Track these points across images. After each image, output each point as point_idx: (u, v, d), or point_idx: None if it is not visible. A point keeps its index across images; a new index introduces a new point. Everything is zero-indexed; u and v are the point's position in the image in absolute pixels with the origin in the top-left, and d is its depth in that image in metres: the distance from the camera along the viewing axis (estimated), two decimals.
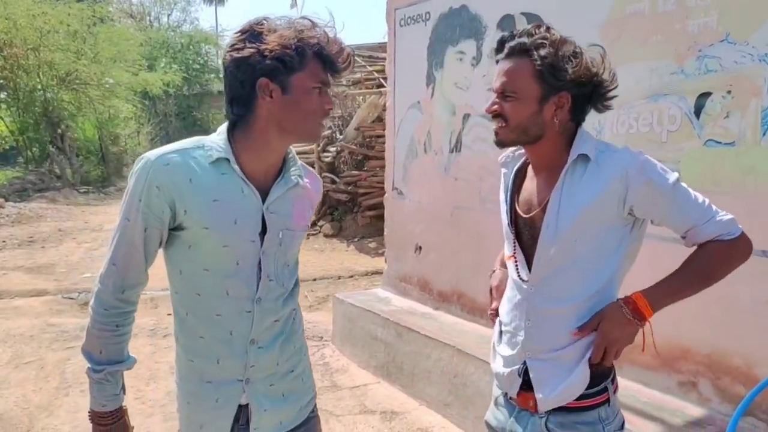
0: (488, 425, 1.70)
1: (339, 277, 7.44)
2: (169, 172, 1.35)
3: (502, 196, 1.65)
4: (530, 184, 1.58)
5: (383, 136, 9.62)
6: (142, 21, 33.30)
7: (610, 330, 1.45)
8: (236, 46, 1.34)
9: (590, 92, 1.47)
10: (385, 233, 5.00)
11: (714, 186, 2.57)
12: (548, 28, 1.45)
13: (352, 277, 7.54)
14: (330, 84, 1.40)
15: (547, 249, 1.47)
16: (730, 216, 1.48)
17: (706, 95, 2.60)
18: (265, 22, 1.36)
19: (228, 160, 1.38)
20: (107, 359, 1.43)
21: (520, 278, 1.55)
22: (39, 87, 17.59)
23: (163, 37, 29.72)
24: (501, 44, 1.48)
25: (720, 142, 2.56)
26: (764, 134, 2.41)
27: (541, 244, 1.48)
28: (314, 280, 7.31)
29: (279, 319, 1.51)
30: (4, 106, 18.63)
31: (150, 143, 25.32)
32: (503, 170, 1.68)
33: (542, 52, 1.41)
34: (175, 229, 1.39)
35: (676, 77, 2.70)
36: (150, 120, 25.49)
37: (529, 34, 1.43)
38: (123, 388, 1.48)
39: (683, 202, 1.46)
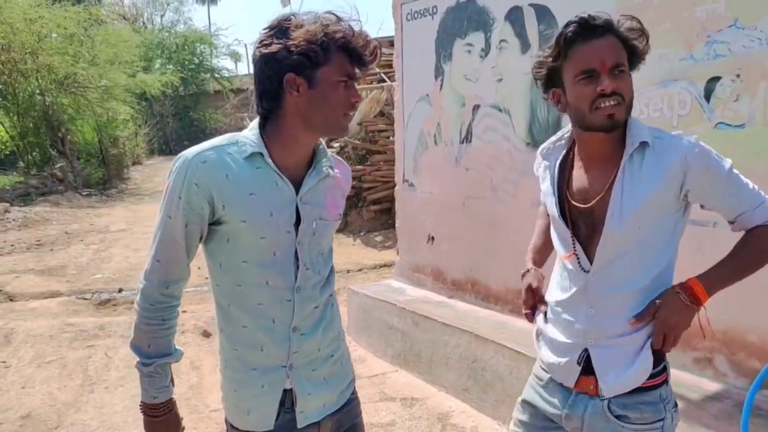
0: (529, 404, 1.71)
1: (348, 271, 7.51)
2: (207, 169, 1.39)
3: (546, 188, 1.65)
4: (582, 174, 1.58)
5: (386, 130, 9.73)
6: (135, 23, 33.23)
7: (669, 316, 1.48)
8: (264, 42, 1.39)
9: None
10: (396, 225, 5.08)
11: None
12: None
13: (361, 270, 7.61)
14: (356, 77, 1.44)
15: (611, 237, 1.49)
16: None
17: (715, 79, 2.68)
18: (292, 18, 1.40)
19: (261, 154, 1.43)
20: (156, 352, 1.48)
21: (583, 270, 1.56)
22: (38, 91, 17.59)
23: (158, 38, 29.66)
24: (590, 25, 1.45)
25: (730, 125, 2.64)
26: None
27: (606, 233, 1.50)
28: None
29: (318, 305, 1.55)
30: (3, 111, 18.63)
31: (148, 144, 25.36)
32: (545, 162, 1.68)
33: (624, 27, 1.47)
34: (214, 223, 1.44)
35: (686, 63, 2.78)
36: (147, 121, 25.47)
37: (598, 18, 1.45)
38: (172, 380, 1.53)
39: (737, 188, 1.50)
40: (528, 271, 1.80)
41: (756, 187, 1.53)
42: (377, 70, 10.13)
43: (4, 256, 8.82)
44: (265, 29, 1.42)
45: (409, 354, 4.17)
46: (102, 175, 18.91)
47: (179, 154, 1.44)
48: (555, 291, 1.68)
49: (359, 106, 10.31)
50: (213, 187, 1.39)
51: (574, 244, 1.58)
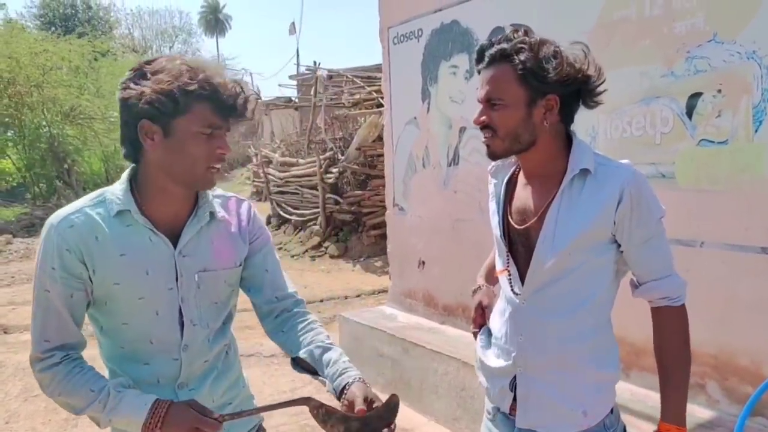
0: None
1: (345, 297, 7.43)
2: (75, 233, 1.31)
3: (492, 207, 1.61)
4: (523, 194, 1.53)
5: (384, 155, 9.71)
6: (144, 55, 33.76)
7: None
8: (123, 85, 1.31)
9: (577, 90, 1.44)
10: (388, 250, 5.01)
11: (710, 185, 2.57)
12: (526, 32, 1.42)
13: (358, 296, 7.53)
14: (224, 127, 1.33)
15: (541, 262, 1.44)
16: (684, 280, 1.49)
17: (697, 95, 2.61)
18: (155, 61, 1.32)
19: (129, 210, 1.34)
20: (99, 387, 1.32)
21: (514, 291, 1.51)
22: (44, 123, 17.83)
23: None
24: (481, 53, 1.45)
25: (713, 141, 2.56)
26: (756, 131, 2.42)
27: (536, 258, 1.45)
28: (321, 301, 7.30)
29: (208, 359, 1.46)
30: (10, 143, 18.85)
31: None
32: (493, 180, 1.64)
33: (522, 56, 1.38)
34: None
35: (667, 79, 2.72)
36: None
37: (508, 40, 1.41)
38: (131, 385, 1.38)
39: (657, 245, 1.45)
40: (479, 287, 1.73)
41: (671, 256, 1.48)
42: (375, 95, 10.15)
43: (3, 288, 8.81)
44: (129, 70, 1.34)
45: (399, 382, 4.06)
46: None
47: (45, 222, 1.35)
48: (495, 314, 1.63)
49: (359, 131, 10.35)
50: (84, 250, 1.31)
51: (508, 260, 1.53)
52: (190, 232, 1.39)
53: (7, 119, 17.74)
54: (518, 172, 1.58)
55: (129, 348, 1.38)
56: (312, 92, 12.98)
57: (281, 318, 1.53)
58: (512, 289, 1.52)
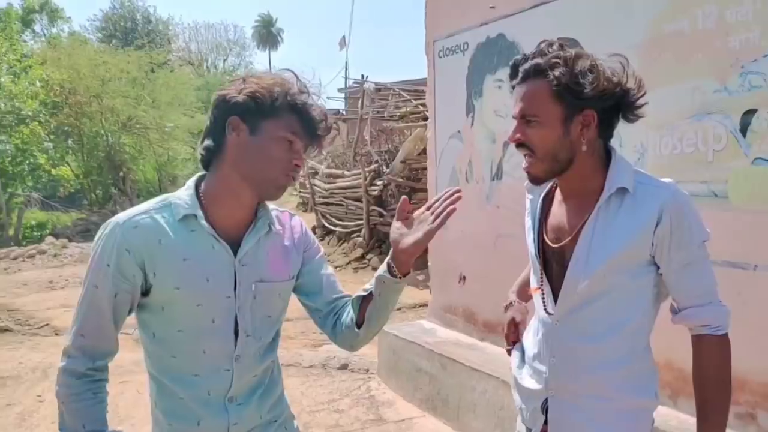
0: None
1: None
2: (139, 234, 1.32)
3: (528, 224, 1.57)
4: (559, 211, 1.49)
5: None
6: (200, 67, 34.76)
7: None
8: (223, 88, 1.37)
9: (616, 104, 1.38)
10: (429, 264, 4.97)
11: (763, 205, 2.46)
12: (561, 46, 1.38)
13: (399, 309, 7.50)
14: (304, 143, 1.37)
15: (574, 283, 1.39)
16: (728, 309, 1.41)
17: (751, 112, 2.50)
18: (259, 73, 1.40)
19: (195, 215, 1.35)
20: (90, 430, 1.34)
21: (547, 311, 1.47)
22: (102, 132, 18.47)
23: (219, 81, 30.86)
24: (515, 69, 1.40)
25: None
26: None
27: (568, 278, 1.40)
28: None
29: (257, 373, 1.46)
30: (70, 151, 19.60)
31: None
32: (529, 196, 1.60)
33: (557, 71, 1.33)
34: (145, 292, 1.35)
35: (720, 95, 2.61)
36: None
37: (542, 54, 1.36)
38: None
39: (699, 269, 1.38)
40: (511, 303, 1.69)
41: (715, 282, 1.40)
42: (421, 108, 10.15)
43: (57, 291, 9.13)
44: (232, 80, 1.41)
45: (437, 399, 4.01)
46: None
47: (108, 220, 1.37)
48: (529, 333, 1.58)
49: (404, 144, 10.37)
50: (145, 253, 1.32)
51: (542, 279, 1.48)
52: (250, 242, 1.40)
53: (67, 128, 18.46)
54: (555, 188, 1.53)
55: (181, 358, 1.37)
56: (359, 105, 13.08)
57: (340, 309, 1.53)
58: (545, 309, 1.47)
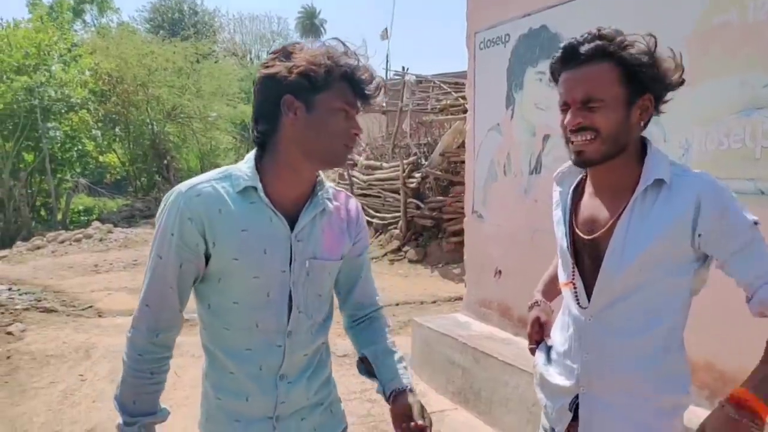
0: None
1: (422, 303, 7.40)
2: (201, 202, 1.32)
3: (557, 216, 1.54)
4: (591, 203, 1.45)
5: None
6: (243, 58, 35.17)
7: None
8: (267, 64, 1.34)
9: (665, 92, 1.37)
10: (464, 257, 4.95)
11: None
12: (619, 30, 1.35)
13: (434, 302, 7.48)
14: (358, 110, 1.36)
15: (610, 276, 1.36)
16: None
17: None
18: (298, 44, 1.36)
19: (255, 188, 1.35)
20: (140, 410, 1.37)
21: (580, 306, 1.44)
22: (147, 121, 18.89)
23: None
24: (573, 51, 1.35)
25: None
26: None
27: (604, 271, 1.37)
28: (396, 304, 7.31)
29: (308, 353, 1.46)
30: (117, 139, 20.11)
31: None
32: (558, 188, 1.57)
33: (625, 53, 1.31)
34: (206, 261, 1.36)
35: None
36: (249, 151, 26.65)
37: (602, 37, 1.33)
38: None
39: (759, 249, 1.32)
40: (536, 303, 1.67)
41: None
42: (462, 101, 10.07)
43: (102, 274, 9.40)
44: (271, 53, 1.38)
45: (469, 392, 3.99)
46: None
47: (172, 189, 1.37)
48: (556, 331, 1.55)
49: (443, 137, 10.31)
50: (206, 221, 1.31)
51: (573, 272, 1.45)
52: (307, 217, 1.39)
53: (114, 116, 18.93)
54: (584, 180, 1.50)
55: (234, 330, 1.37)
56: (399, 97, 13.06)
57: (361, 321, 1.61)
58: (578, 304, 1.44)
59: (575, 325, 1.45)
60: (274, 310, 1.38)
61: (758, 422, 1.24)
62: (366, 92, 1.35)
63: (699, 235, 1.31)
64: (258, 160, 1.39)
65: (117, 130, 19.92)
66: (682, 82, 1.38)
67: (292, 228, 1.37)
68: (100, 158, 20.11)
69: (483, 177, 4.57)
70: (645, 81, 1.33)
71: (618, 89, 1.33)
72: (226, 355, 1.39)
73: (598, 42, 1.33)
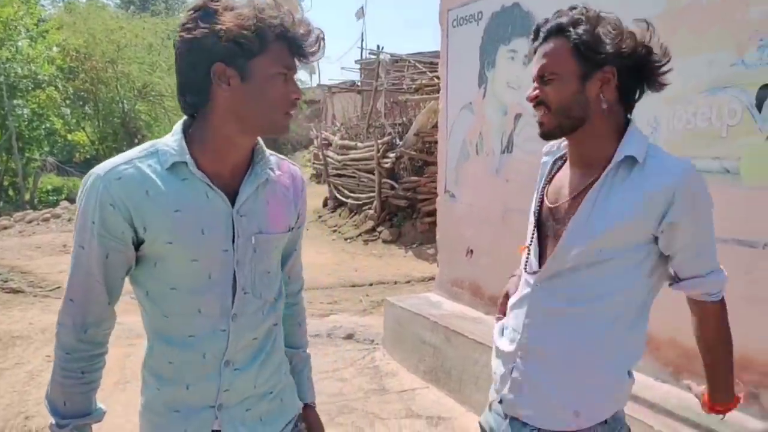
0: (482, 428, 1.60)
1: (395, 283, 7.42)
2: (123, 186, 1.19)
3: (538, 184, 1.56)
4: (563, 175, 1.47)
5: None
6: None
7: None
8: (188, 26, 1.17)
9: (638, 66, 1.36)
10: (437, 237, 4.95)
11: None
12: (585, 7, 1.37)
13: (408, 282, 7.51)
14: (296, 70, 1.25)
15: (567, 247, 1.35)
16: (726, 276, 1.40)
17: None
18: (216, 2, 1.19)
19: (185, 163, 1.22)
20: (72, 412, 1.27)
21: (528, 270, 1.45)
22: (117, 99, 18.50)
23: None
24: (537, 31, 1.40)
25: None
26: None
27: (563, 241, 1.36)
28: (370, 284, 7.32)
29: (258, 336, 1.36)
30: (86, 117, 19.69)
31: None
32: (544, 159, 1.58)
33: (579, 28, 1.33)
34: (136, 248, 1.24)
35: (737, 68, 2.54)
36: None
37: (565, 14, 1.37)
38: None
39: (706, 240, 1.36)
40: (512, 275, 1.67)
41: (716, 248, 1.39)
42: (436, 81, 10.03)
43: (70, 254, 9.21)
44: (189, 10, 1.20)
45: (440, 371, 4.02)
46: None
47: (89, 172, 1.23)
48: (513, 297, 1.55)
49: (418, 117, 10.27)
50: (131, 206, 1.19)
51: (532, 238, 1.47)
52: (248, 190, 1.28)
53: (83, 93, 18.51)
54: (565, 155, 1.52)
55: (174, 317, 1.27)
56: (374, 77, 12.97)
57: (287, 305, 1.52)
58: (527, 267, 1.45)
59: (524, 290, 1.47)
60: (217, 293, 1.28)
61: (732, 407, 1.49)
62: (305, 50, 1.22)
63: (667, 225, 1.31)
64: (186, 131, 1.26)
65: (86, 108, 19.50)
66: (648, 51, 1.36)
67: (232, 203, 1.27)
68: (69, 137, 19.66)
69: (455, 156, 4.56)
70: (597, 54, 1.33)
71: (571, 63, 1.34)
72: (166, 343, 1.29)
73: (556, 20, 1.37)
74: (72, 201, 14.38)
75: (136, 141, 19.13)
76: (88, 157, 20.85)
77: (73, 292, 1.25)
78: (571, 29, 1.34)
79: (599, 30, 1.33)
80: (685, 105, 2.74)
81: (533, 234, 1.47)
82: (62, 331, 1.26)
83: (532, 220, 1.50)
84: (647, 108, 2.88)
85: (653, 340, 2.82)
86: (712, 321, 1.41)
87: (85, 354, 1.27)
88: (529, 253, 1.47)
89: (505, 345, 1.50)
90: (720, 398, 1.46)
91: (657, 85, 1.40)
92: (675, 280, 1.41)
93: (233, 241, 1.28)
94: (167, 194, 1.21)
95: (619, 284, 1.36)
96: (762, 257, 2.46)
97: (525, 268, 1.47)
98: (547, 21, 1.39)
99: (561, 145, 1.54)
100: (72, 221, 11.90)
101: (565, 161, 1.51)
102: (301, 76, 34.69)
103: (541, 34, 1.39)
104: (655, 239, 1.35)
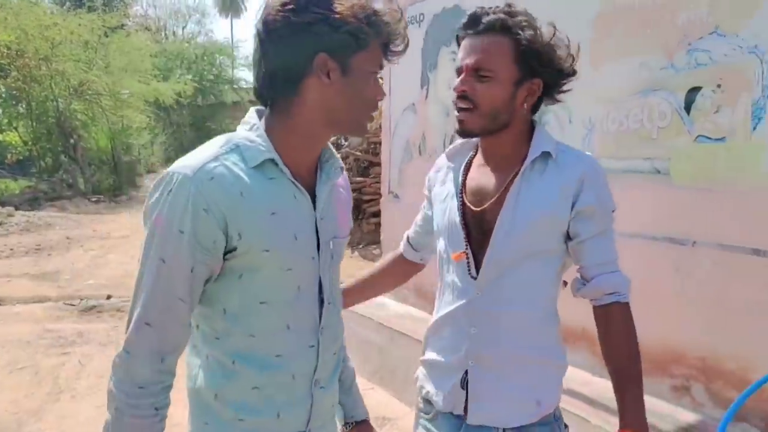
0: None
1: (341, 283, 7.38)
2: (216, 187, 1.04)
3: (449, 190, 1.51)
4: (479, 177, 1.47)
5: None
6: (158, 33, 33.73)
7: None
8: (296, 7, 1.05)
9: (561, 82, 1.42)
10: (381, 238, 4.95)
11: (706, 183, 2.49)
12: (526, 11, 1.38)
13: None
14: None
15: (500, 247, 1.38)
16: (629, 279, 1.43)
17: (696, 90, 2.52)
18: None
19: (273, 160, 1.10)
20: None
21: (471, 277, 1.42)
22: (51, 97, 17.76)
23: (178, 48, 30.04)
24: (476, 19, 1.37)
25: (710, 138, 2.48)
26: (755, 129, 2.33)
27: (494, 240, 1.38)
28: None
29: (336, 350, 1.27)
30: (19, 116, 18.85)
31: (164, 153, 25.59)
32: (448, 164, 1.55)
33: (527, 32, 1.33)
34: (224, 259, 1.10)
35: (667, 72, 2.63)
36: (164, 130, 25.77)
37: (509, 13, 1.36)
38: None
39: (609, 238, 1.41)
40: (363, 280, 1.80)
41: (617, 253, 1.43)
42: (381, 81, 10.06)
43: (1, 260, 8.81)
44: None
45: (385, 371, 4.02)
46: (113, 182, 19.02)
47: (168, 171, 1.07)
48: (440, 308, 1.53)
49: None
50: (227, 210, 1.05)
51: (467, 245, 1.43)
52: (324, 191, 1.18)
53: (15, 92, 17.72)
54: (474, 157, 1.52)
55: (261, 336, 1.13)
56: None
57: None
58: (470, 275, 1.42)
59: (463, 298, 1.44)
60: (306, 305, 1.17)
61: None
62: (395, 52, 1.15)
63: (576, 211, 1.37)
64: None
65: (19, 107, 18.66)
66: (573, 73, 1.42)
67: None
68: (0, 137, 18.78)
69: (399, 157, 4.57)
70: (536, 65, 1.35)
71: (509, 66, 1.35)
72: (249, 366, 1.14)
73: (501, 15, 1.35)
74: (3, 204, 13.75)
75: (72, 141, 18.42)
76: (21, 158, 19.98)
77: (149, 314, 1.06)
78: (519, 32, 1.33)
79: (542, 39, 1.34)
80: (619, 107, 2.82)
81: (466, 238, 1.44)
82: (134, 361, 1.07)
83: (459, 226, 1.45)
84: (583, 109, 2.96)
85: (589, 335, 2.88)
86: (622, 324, 1.38)
87: (160, 386, 1.10)
88: (468, 259, 1.43)
89: (447, 358, 1.47)
90: (631, 421, 1.32)
91: (556, 101, 1.46)
92: (583, 283, 1.42)
93: (317, 248, 1.18)
94: (260, 195, 1.08)
95: (546, 279, 1.42)
96: (691, 254, 2.55)
97: (469, 275, 1.43)
98: (487, 12, 1.36)
99: (463, 148, 1.55)
100: (3, 225, 11.41)
101: (471, 164, 1.51)
102: (245, 75, 34.27)
103: (482, 25, 1.35)
104: (568, 235, 1.40)
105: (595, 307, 1.42)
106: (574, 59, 1.42)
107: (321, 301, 1.19)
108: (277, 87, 1.11)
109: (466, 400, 1.43)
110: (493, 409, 1.42)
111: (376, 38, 1.10)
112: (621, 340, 1.38)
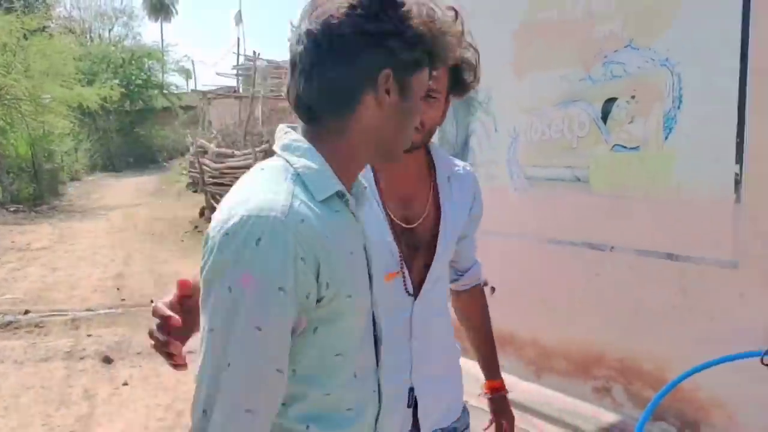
0: None
1: None
2: (309, 231, 0.89)
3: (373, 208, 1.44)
4: (394, 190, 1.40)
5: None
6: (82, 36, 32.52)
7: (512, 416, 1.69)
8: (368, 12, 0.91)
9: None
10: None
11: (622, 191, 2.59)
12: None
13: None
14: None
15: (440, 259, 1.45)
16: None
17: (612, 101, 2.62)
18: None
19: (340, 193, 0.97)
20: None
21: (408, 294, 1.39)
22: None
23: (104, 51, 29.03)
24: None
25: (626, 147, 2.58)
26: (666, 138, 2.44)
27: (438, 253, 1.43)
28: None
29: (397, 392, 1.23)
30: None
31: (90, 159, 24.63)
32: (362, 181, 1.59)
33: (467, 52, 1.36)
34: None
35: (585, 83, 2.72)
36: (89, 136, 24.83)
37: None
38: None
39: (474, 233, 1.61)
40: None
41: None
42: None
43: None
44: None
45: None
46: (33, 191, 18.14)
47: (238, 215, 0.88)
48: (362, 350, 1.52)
49: None
50: (321, 256, 0.90)
51: (402, 263, 1.38)
52: (362, 216, 1.06)
53: None
54: (376, 174, 1.42)
55: (335, 392, 0.98)
56: (251, 83, 12.73)
57: None
58: (407, 292, 1.39)
59: (400, 315, 1.39)
60: (366, 347, 1.05)
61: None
62: (433, 75, 1.06)
63: (472, 214, 1.54)
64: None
65: None
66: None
67: None
68: None
69: None
70: (463, 82, 1.38)
71: (446, 83, 1.37)
72: (325, 428, 0.97)
73: None
74: None
75: None
76: None
77: (250, 398, 0.87)
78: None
79: (469, 56, 1.35)
80: (541, 117, 2.89)
81: (401, 256, 1.38)
82: None
83: (392, 244, 1.38)
84: (507, 119, 3.02)
85: (517, 341, 2.94)
86: (483, 300, 1.68)
87: None
88: (404, 277, 1.38)
89: (391, 380, 1.33)
90: (499, 373, 1.66)
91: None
92: (458, 275, 1.63)
93: (370, 281, 1.05)
94: (338, 234, 0.94)
95: (447, 281, 1.59)
96: (608, 259, 2.64)
97: (405, 291, 1.39)
98: None
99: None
100: None
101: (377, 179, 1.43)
102: (176, 80, 33.43)
103: None
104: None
105: (463, 291, 1.66)
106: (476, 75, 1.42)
107: (376, 340, 1.08)
108: (333, 101, 0.96)
109: (414, 416, 1.42)
110: (437, 414, 1.48)
111: (427, 57, 0.99)
112: (486, 314, 1.68)
